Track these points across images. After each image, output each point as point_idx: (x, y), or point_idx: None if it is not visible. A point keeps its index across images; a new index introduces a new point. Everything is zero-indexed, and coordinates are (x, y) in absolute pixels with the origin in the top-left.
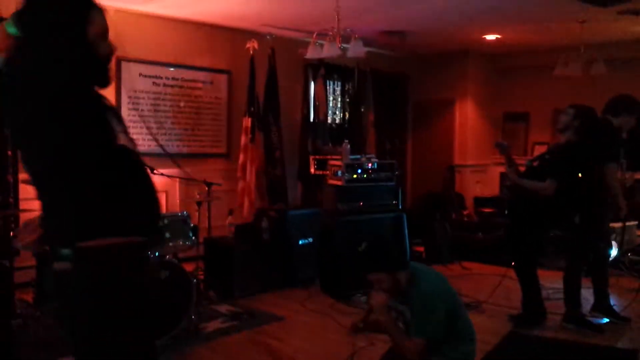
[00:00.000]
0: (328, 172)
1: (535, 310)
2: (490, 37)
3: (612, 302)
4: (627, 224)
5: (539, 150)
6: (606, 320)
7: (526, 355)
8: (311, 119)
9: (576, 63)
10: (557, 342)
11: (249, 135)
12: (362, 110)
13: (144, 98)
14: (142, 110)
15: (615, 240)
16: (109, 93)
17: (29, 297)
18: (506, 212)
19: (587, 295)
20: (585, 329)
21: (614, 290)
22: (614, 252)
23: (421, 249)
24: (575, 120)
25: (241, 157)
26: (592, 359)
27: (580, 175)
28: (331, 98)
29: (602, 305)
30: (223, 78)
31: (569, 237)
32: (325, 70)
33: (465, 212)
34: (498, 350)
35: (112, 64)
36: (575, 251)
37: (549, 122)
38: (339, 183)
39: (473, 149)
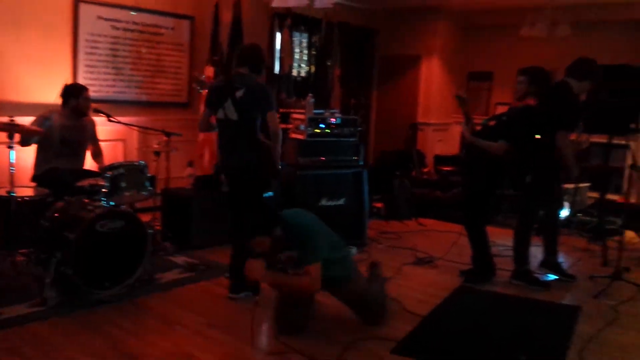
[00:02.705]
0: (291, 125)
1: (484, 266)
2: None
3: (560, 260)
4: (580, 185)
5: (501, 110)
6: (553, 277)
7: (474, 308)
8: (276, 71)
9: (542, 24)
10: (505, 296)
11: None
12: (329, 64)
13: (102, 42)
14: (99, 55)
15: (567, 200)
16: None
17: None
18: (461, 169)
19: (537, 253)
20: (532, 285)
21: (562, 248)
22: (565, 212)
23: (381, 205)
24: (531, 86)
25: (202, 107)
26: (537, 313)
27: (536, 137)
28: (297, 50)
29: (550, 263)
30: (186, 24)
31: (521, 196)
32: (292, 20)
33: (425, 170)
34: (447, 303)
35: (69, 5)
36: (525, 210)
37: (513, 82)
38: (301, 137)
39: (436, 108)
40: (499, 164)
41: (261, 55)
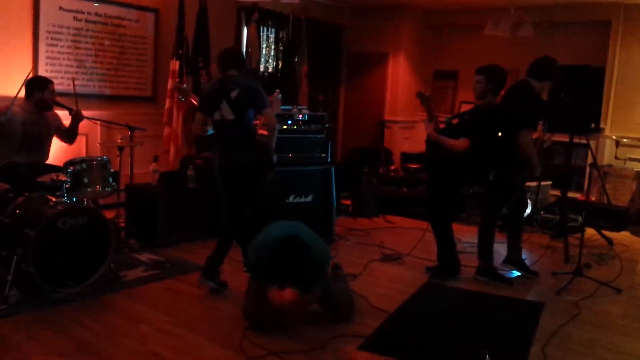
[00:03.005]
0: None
1: (449, 263)
2: None
3: (523, 256)
4: (542, 183)
5: (466, 108)
6: (517, 273)
7: (440, 304)
8: None
9: (506, 24)
10: (470, 293)
11: (177, 79)
12: (296, 60)
13: (64, 34)
14: (61, 47)
15: (530, 198)
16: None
17: None
18: (424, 166)
19: (500, 250)
20: (496, 282)
21: (526, 245)
22: (528, 209)
23: (348, 202)
24: (489, 85)
25: (168, 101)
26: (501, 309)
27: (499, 134)
28: (264, 45)
29: (513, 259)
30: (150, 16)
31: (485, 194)
32: (259, 15)
33: (392, 167)
34: (413, 299)
35: None
36: (488, 207)
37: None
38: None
39: (403, 105)
40: (461, 161)
41: (243, 57)
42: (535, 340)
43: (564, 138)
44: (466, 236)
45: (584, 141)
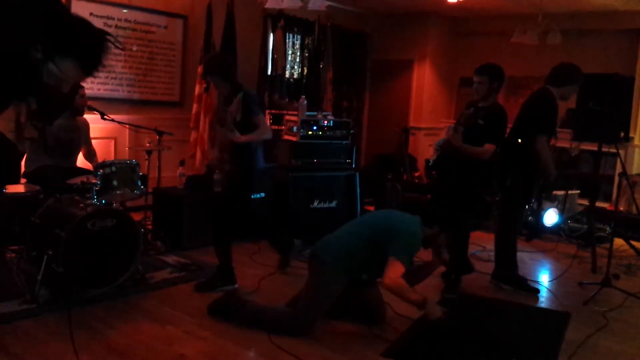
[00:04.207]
0: (284, 127)
1: (460, 269)
2: None
3: (549, 266)
4: (569, 192)
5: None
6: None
7: (464, 312)
8: (269, 72)
9: (533, 31)
10: (495, 301)
11: (204, 85)
12: (321, 66)
13: None
14: None
15: (557, 207)
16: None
17: None
18: (436, 174)
19: (526, 258)
20: (521, 290)
21: (552, 255)
22: (555, 218)
23: (372, 208)
24: (493, 83)
25: (195, 106)
26: (527, 318)
27: (519, 141)
28: (290, 52)
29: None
30: (179, 23)
31: (501, 200)
32: (285, 22)
33: (416, 174)
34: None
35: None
36: (506, 213)
37: (503, 89)
38: (294, 139)
39: (428, 112)
40: (482, 167)
41: (227, 64)
42: (562, 351)
43: (593, 147)
44: (491, 244)
45: (613, 150)
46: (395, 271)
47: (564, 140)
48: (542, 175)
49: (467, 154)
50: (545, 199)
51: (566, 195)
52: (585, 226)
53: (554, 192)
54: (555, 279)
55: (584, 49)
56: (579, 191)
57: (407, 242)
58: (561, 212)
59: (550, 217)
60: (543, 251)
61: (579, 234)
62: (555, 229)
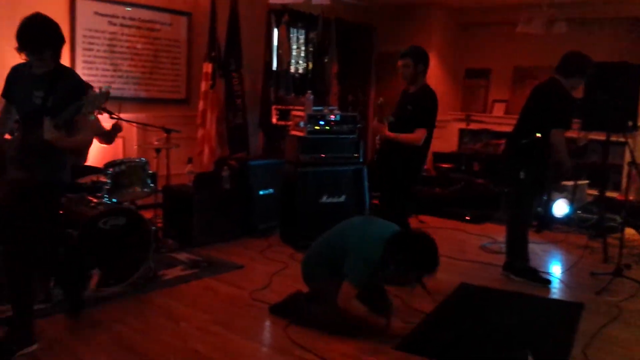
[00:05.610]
0: (290, 122)
1: None
2: None
3: (560, 256)
4: (579, 182)
5: (499, 107)
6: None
7: (477, 305)
8: (274, 67)
9: (538, 21)
10: (507, 293)
11: (210, 82)
12: (326, 60)
13: (99, 38)
14: (97, 50)
15: (566, 198)
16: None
17: None
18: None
19: (537, 250)
20: (533, 282)
21: (563, 245)
22: (564, 209)
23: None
24: (418, 66)
25: (201, 103)
26: (539, 310)
27: (537, 135)
28: (294, 46)
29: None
30: (183, 20)
31: (515, 192)
32: (289, 17)
33: (424, 167)
34: (450, 300)
35: (66, 2)
36: (518, 205)
37: (510, 79)
38: (301, 134)
39: None
40: (415, 154)
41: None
42: (576, 342)
43: (601, 136)
44: (502, 236)
45: (621, 139)
46: (348, 291)
47: (571, 129)
48: (556, 168)
49: (401, 143)
50: (554, 189)
51: (575, 186)
52: (596, 216)
53: (563, 182)
54: (567, 270)
55: (591, 37)
56: (588, 181)
57: (355, 264)
58: (571, 202)
59: (560, 207)
60: (553, 242)
61: (589, 224)
62: (565, 219)
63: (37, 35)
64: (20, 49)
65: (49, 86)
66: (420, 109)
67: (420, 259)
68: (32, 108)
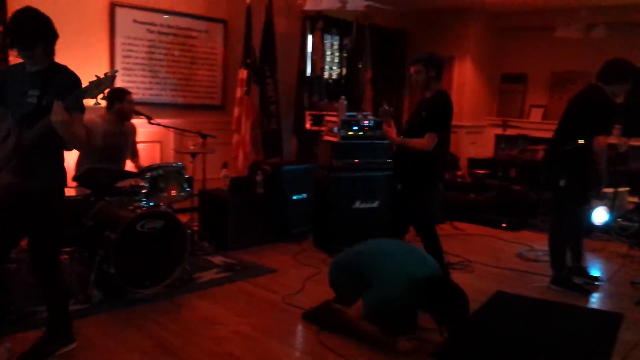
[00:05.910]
0: (324, 127)
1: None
2: None
3: (599, 265)
4: (619, 189)
5: (536, 113)
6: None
7: (512, 314)
8: (308, 73)
9: (577, 25)
10: (544, 302)
11: (245, 88)
12: (360, 66)
13: (138, 45)
14: (136, 57)
15: (606, 205)
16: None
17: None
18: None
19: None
20: (571, 291)
21: (603, 254)
22: (605, 217)
23: None
24: (431, 71)
25: (236, 109)
26: (578, 320)
27: (579, 142)
28: (328, 52)
29: (578, 268)
30: (219, 27)
31: (555, 200)
32: (324, 23)
33: (458, 173)
34: (484, 308)
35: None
36: (559, 215)
37: (547, 84)
38: (335, 139)
39: (469, 110)
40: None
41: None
42: (615, 353)
43: None
44: (539, 244)
45: None
46: (359, 312)
47: (612, 135)
48: (595, 177)
49: (411, 148)
50: (594, 197)
51: (615, 193)
52: (636, 224)
53: (603, 189)
54: (607, 279)
55: (630, 41)
56: (628, 188)
57: (373, 298)
58: (610, 210)
59: (600, 215)
60: (593, 250)
61: (629, 233)
62: (605, 227)
63: (28, 29)
64: (11, 45)
65: (44, 84)
66: (431, 113)
67: (451, 314)
68: (27, 109)
